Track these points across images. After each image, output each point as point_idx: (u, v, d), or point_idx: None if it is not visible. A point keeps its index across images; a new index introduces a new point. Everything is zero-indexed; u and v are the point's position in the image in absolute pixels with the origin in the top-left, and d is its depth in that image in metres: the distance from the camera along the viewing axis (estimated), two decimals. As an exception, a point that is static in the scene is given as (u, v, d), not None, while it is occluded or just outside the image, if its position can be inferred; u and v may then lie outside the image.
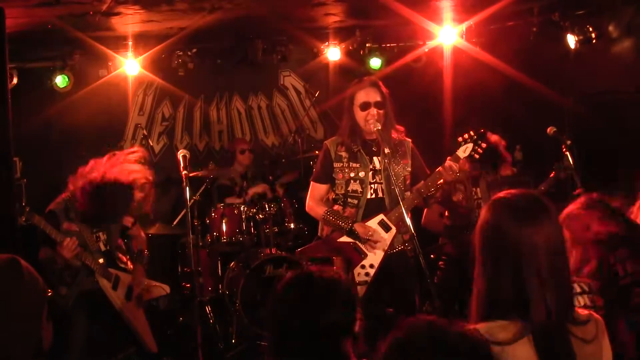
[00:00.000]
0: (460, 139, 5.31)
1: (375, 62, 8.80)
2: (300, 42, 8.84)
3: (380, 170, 5.40)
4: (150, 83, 9.23)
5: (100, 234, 5.69)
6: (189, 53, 8.48)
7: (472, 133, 5.29)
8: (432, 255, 6.78)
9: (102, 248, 5.67)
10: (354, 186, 5.41)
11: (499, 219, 2.46)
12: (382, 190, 5.41)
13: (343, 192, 5.44)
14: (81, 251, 5.37)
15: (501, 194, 2.57)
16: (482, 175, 6.40)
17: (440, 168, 5.20)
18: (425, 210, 6.66)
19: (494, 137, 6.50)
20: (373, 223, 5.33)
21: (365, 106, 5.32)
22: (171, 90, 9.31)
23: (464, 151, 5.25)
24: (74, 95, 8.34)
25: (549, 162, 6.59)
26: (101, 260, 5.58)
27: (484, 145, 5.27)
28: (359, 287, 5.24)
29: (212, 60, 9.03)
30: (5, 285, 2.39)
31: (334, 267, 4.60)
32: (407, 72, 8.85)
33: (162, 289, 6.15)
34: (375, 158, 5.43)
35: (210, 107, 9.62)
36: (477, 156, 5.32)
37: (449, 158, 5.21)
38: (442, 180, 5.21)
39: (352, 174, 5.41)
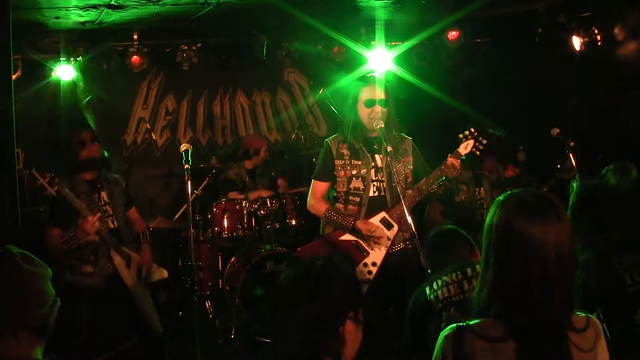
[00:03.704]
0: (461, 135, 5.33)
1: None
2: (304, 38, 8.83)
3: (382, 167, 5.38)
4: (155, 77, 9.24)
5: (108, 208, 5.67)
6: (194, 48, 8.46)
7: (472, 130, 5.31)
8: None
9: (111, 225, 5.65)
10: (356, 184, 5.39)
11: (510, 216, 2.44)
12: (384, 188, 5.39)
13: (345, 189, 5.42)
14: (101, 226, 5.36)
15: (510, 192, 2.56)
16: (485, 176, 6.40)
17: (442, 165, 5.21)
18: (428, 208, 6.65)
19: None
20: (375, 220, 5.31)
21: (369, 103, 5.32)
22: (175, 85, 9.32)
23: (465, 148, 5.26)
24: (78, 87, 8.34)
25: (552, 163, 6.60)
26: (114, 239, 5.58)
27: (484, 141, 5.28)
28: None
29: (216, 55, 9.04)
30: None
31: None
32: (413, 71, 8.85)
33: (162, 272, 6.15)
34: (377, 155, 5.41)
35: (214, 102, 9.62)
36: (478, 153, 5.35)
37: (450, 155, 5.22)
38: (444, 178, 5.22)
39: (354, 172, 5.39)
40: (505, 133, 6.37)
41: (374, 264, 5.27)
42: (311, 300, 2.39)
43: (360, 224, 5.26)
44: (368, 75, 5.53)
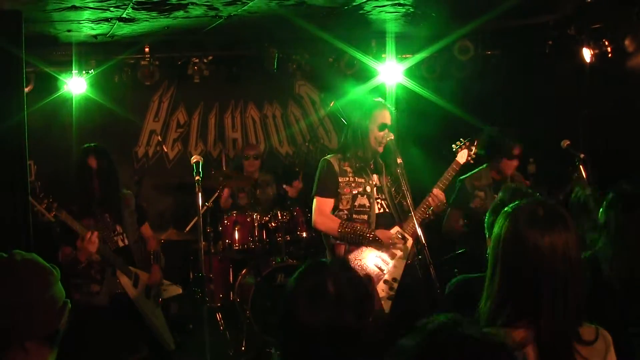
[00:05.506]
0: (454, 146, 5.49)
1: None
2: (315, 51, 8.85)
3: (380, 187, 5.47)
4: (166, 89, 9.28)
5: (118, 226, 5.70)
6: (205, 60, 8.50)
7: (462, 139, 5.52)
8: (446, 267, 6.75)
9: (120, 244, 5.68)
10: (362, 201, 5.42)
11: (518, 227, 2.45)
12: (388, 205, 5.45)
13: (349, 207, 5.43)
14: (102, 245, 5.38)
15: (517, 203, 2.56)
16: (503, 184, 6.41)
17: (428, 197, 5.38)
18: (446, 217, 6.64)
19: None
20: (391, 234, 5.37)
21: (383, 127, 5.36)
22: (186, 97, 9.36)
23: (461, 158, 5.52)
24: (90, 99, 8.39)
25: (562, 175, 6.58)
26: (120, 259, 5.61)
27: (474, 149, 5.56)
28: (384, 303, 5.24)
29: (227, 68, 9.06)
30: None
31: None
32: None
33: (176, 288, 6.19)
34: (374, 175, 5.49)
35: (225, 115, 9.64)
36: (472, 162, 5.52)
37: (435, 186, 5.40)
38: (431, 208, 5.35)
39: (359, 189, 5.42)
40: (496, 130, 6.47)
41: (394, 279, 5.32)
42: (352, 316, 2.38)
43: (380, 233, 5.30)
44: (381, 102, 5.60)
